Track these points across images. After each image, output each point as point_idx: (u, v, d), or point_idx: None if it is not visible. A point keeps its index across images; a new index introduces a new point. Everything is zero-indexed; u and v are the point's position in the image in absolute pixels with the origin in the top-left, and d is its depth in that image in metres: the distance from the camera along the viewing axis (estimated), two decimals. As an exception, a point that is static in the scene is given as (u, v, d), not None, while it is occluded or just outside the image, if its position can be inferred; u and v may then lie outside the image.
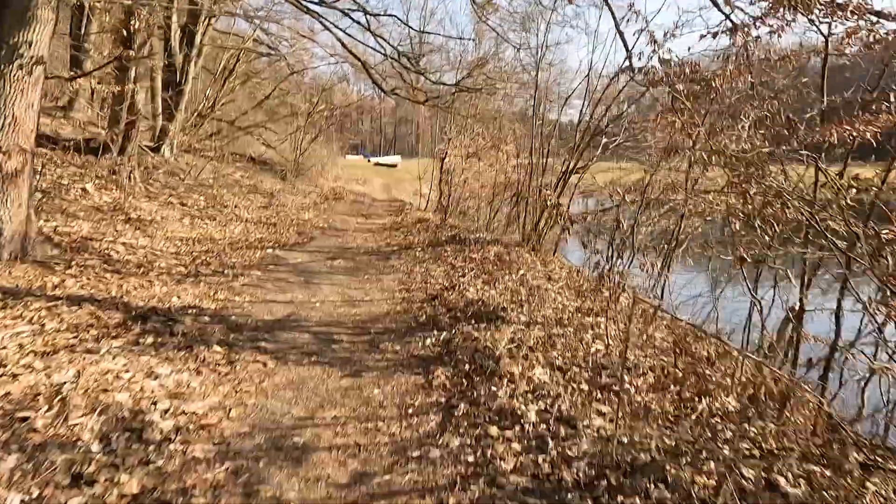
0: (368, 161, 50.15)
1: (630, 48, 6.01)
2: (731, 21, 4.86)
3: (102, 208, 8.88)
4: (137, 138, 11.05)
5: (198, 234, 8.92)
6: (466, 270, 7.26)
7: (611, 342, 4.49)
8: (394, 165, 47.02)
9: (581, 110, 9.00)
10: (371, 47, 15.76)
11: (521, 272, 7.06)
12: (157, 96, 14.84)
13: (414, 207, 18.73)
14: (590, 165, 9.31)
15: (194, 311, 5.17)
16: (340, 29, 15.42)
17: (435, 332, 4.94)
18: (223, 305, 5.47)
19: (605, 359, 4.29)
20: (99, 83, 11.02)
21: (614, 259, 5.20)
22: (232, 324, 4.96)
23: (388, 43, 11.70)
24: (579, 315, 5.52)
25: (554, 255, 9.79)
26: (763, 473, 2.53)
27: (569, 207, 9.49)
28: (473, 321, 5.13)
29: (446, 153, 18.12)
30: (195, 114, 19.48)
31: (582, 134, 9.01)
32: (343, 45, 12.71)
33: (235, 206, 12.07)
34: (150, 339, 4.27)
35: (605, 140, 9.13)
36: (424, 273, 7.32)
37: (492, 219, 12.30)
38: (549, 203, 9.03)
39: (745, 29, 4.41)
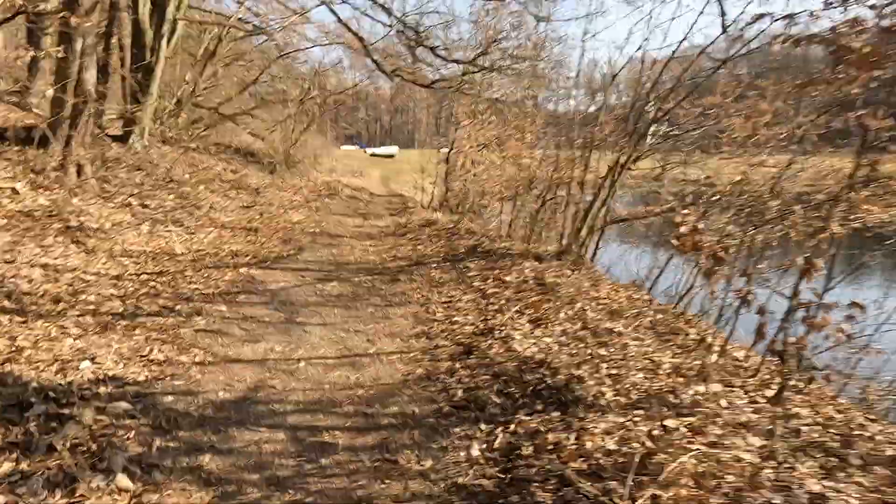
0: (364, 152, 48.22)
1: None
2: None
3: (34, 214, 7.01)
4: (88, 125, 9.15)
5: (155, 248, 7.08)
6: (502, 301, 5.47)
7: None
8: (391, 156, 45.12)
9: (639, 90, 7.19)
10: (372, 17, 13.83)
11: (577, 305, 5.26)
12: (123, 77, 12.90)
13: (417, 204, 16.89)
14: (642, 157, 7.51)
15: (109, 388, 3.36)
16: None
17: (482, 428, 3.16)
18: (159, 374, 3.66)
19: None
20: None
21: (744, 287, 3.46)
22: (163, 414, 3.16)
23: (393, 14, 9.83)
24: (689, 388, 3.74)
25: (591, 264, 8.01)
26: None
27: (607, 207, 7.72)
28: (538, 403, 3.35)
29: (453, 144, 16.29)
30: (174, 100, 17.55)
31: (636, 120, 7.21)
32: (339, 18, 10.83)
33: (211, 207, 10.21)
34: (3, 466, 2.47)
35: (660, 128, 7.34)
36: (447, 305, 5.52)
37: (514, 221, 10.47)
38: (599, 204, 7.27)
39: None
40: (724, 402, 3.66)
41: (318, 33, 21.70)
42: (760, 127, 7.00)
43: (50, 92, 11.47)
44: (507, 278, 6.24)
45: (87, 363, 3.65)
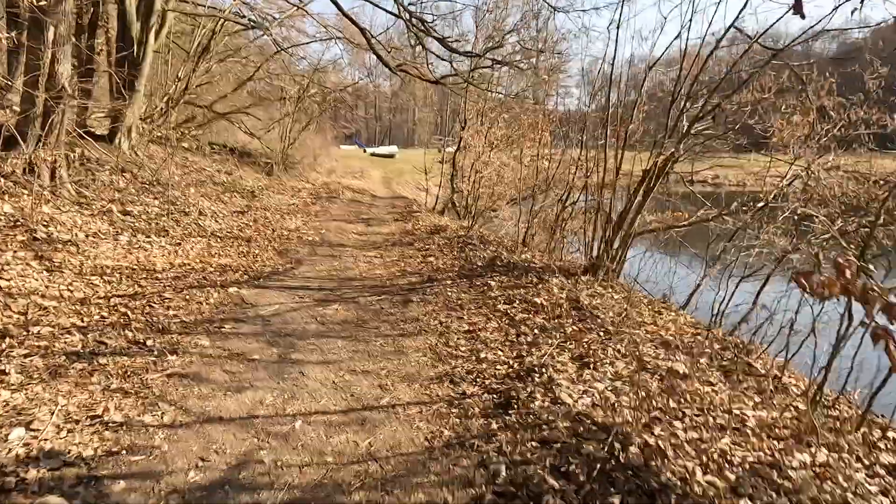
0: (364, 151, 47.37)
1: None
2: None
3: (-5, 224, 6.20)
4: (63, 124, 8.29)
5: (133, 262, 6.24)
6: (536, 330, 4.63)
7: None
8: (391, 156, 44.28)
9: (678, 82, 6.32)
10: (375, 4, 12.96)
11: (626, 336, 4.43)
12: (108, 73, 12.05)
13: (422, 207, 16.05)
14: (682, 158, 6.66)
15: (42, 471, 2.52)
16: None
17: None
18: (113, 445, 2.82)
19: None
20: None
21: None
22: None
23: (399, 1, 8.98)
24: (792, 457, 2.92)
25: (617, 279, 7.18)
26: None
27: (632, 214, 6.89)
28: (613, 492, 2.51)
29: (460, 143, 15.45)
30: (165, 97, 16.69)
31: (677, 116, 6.35)
32: (340, 8, 9.98)
33: (201, 214, 9.37)
34: None
35: (705, 126, 6.48)
36: (470, 335, 4.68)
37: (530, 227, 9.62)
38: (634, 211, 6.45)
39: None
40: (840, 478, 2.85)
41: (316, 28, 20.81)
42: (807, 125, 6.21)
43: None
44: (537, 300, 5.40)
45: (18, 431, 2.81)
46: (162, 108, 16.83)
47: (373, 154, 44.74)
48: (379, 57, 10.99)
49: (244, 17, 16.83)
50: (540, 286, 6.03)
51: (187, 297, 5.27)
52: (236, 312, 5.04)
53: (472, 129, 13.85)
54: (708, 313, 6.85)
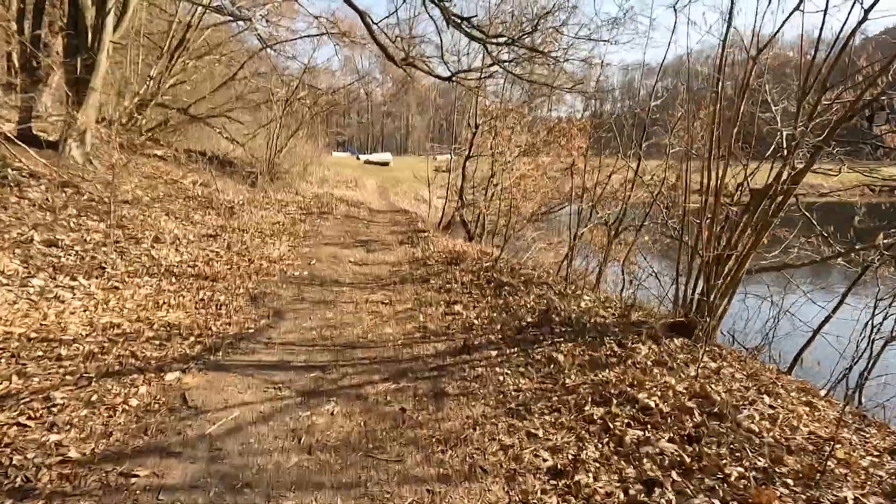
0: (357, 159, 45.50)
1: None
2: None
3: None
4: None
5: (31, 327, 4.24)
6: (668, 470, 2.71)
7: None
8: (386, 164, 42.42)
9: (810, 70, 4.47)
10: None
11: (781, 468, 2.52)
12: (51, 68, 10.07)
13: (427, 222, 14.09)
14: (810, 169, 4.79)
15: None
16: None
17: None
18: None
19: None
20: None
21: None
22: None
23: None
24: None
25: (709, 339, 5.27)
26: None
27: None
28: None
29: (470, 150, 13.56)
30: (134, 98, 14.70)
31: (809, 115, 4.50)
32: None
33: (157, 240, 7.39)
34: None
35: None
36: (563, 490, 2.73)
37: (571, 258, 7.71)
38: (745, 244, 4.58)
39: None
40: None
41: (307, 25, 18.85)
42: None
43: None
44: (643, 396, 3.47)
45: None
46: (131, 111, 14.88)
47: (366, 162, 42.85)
48: (381, 47, 9.10)
49: (223, 8, 14.89)
50: (629, 360, 4.12)
51: (94, 397, 3.30)
52: (168, 431, 3.07)
53: (488, 134, 11.98)
54: (824, 375, 5.00)
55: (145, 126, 15.12)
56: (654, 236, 6.63)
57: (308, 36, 16.17)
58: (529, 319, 5.04)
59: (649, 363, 4.15)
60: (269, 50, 16.61)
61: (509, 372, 4.00)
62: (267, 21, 16.69)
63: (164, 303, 5.24)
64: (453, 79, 10.06)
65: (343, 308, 5.71)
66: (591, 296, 5.94)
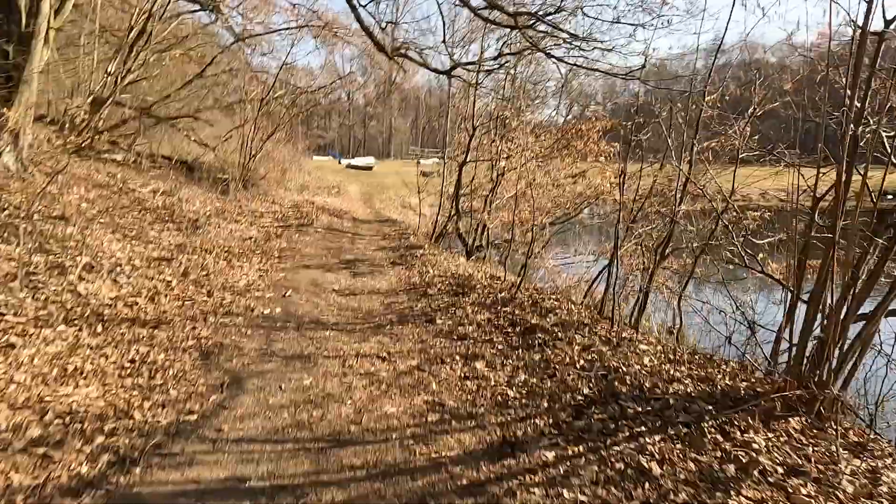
0: (339, 163, 43.96)
1: None
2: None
3: None
4: None
5: None
6: None
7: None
8: (369, 168, 40.99)
9: None
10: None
11: None
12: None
13: (419, 234, 12.66)
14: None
15: None
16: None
17: None
18: None
19: None
20: None
21: None
22: None
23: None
24: None
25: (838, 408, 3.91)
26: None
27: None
28: None
29: (467, 154, 12.18)
30: (88, 96, 13.05)
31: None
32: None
33: (89, 269, 5.86)
34: None
35: None
36: None
37: (615, 289, 6.31)
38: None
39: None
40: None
41: (284, 18, 17.30)
42: None
43: None
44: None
45: None
46: (84, 110, 13.21)
47: (349, 166, 41.34)
48: (369, 34, 7.68)
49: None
50: (750, 465, 2.76)
51: None
52: None
53: (486, 137, 10.61)
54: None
55: (101, 128, 13.46)
56: (715, 261, 5.29)
57: (286, 29, 14.67)
58: (586, 391, 3.64)
59: (780, 470, 2.80)
60: (242, 45, 15.09)
61: (585, 500, 2.60)
62: (240, 14, 15.20)
63: (77, 369, 3.74)
64: (452, 73, 8.67)
65: (326, 367, 4.25)
66: (650, 346, 4.57)
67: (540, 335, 4.73)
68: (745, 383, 3.81)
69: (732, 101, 6.08)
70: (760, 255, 4.90)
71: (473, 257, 11.64)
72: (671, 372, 4.01)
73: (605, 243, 10.62)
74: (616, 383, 3.72)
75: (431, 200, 17.95)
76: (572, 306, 5.93)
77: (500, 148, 9.59)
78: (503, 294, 6.31)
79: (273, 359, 4.35)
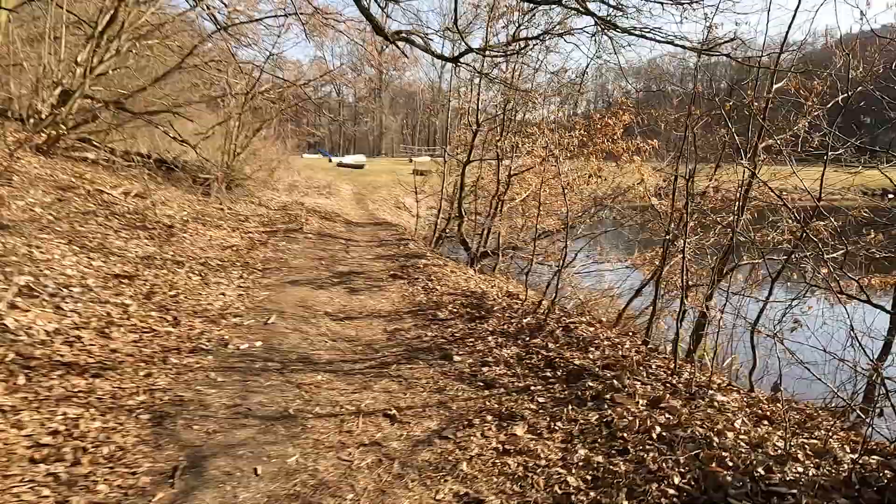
0: (330, 161, 42.75)
1: None
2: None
3: None
4: None
5: None
6: None
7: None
8: (360, 166, 39.80)
9: None
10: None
11: None
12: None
13: (419, 240, 11.63)
14: None
15: None
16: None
17: None
18: None
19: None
20: None
21: None
22: None
23: None
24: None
25: None
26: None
27: None
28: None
29: (471, 152, 11.17)
30: (55, 88, 11.88)
31: None
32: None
33: (29, 291, 4.78)
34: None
35: None
36: None
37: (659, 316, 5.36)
38: None
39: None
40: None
41: (271, 5, 16.11)
42: None
43: None
44: None
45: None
46: (52, 104, 12.04)
47: (340, 164, 40.14)
48: (368, 16, 6.65)
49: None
50: None
51: None
52: None
53: (495, 133, 9.59)
54: None
55: (69, 123, 12.30)
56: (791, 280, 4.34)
57: (272, 16, 13.55)
58: (678, 480, 2.64)
59: None
60: (225, 35, 13.95)
61: None
62: (222, 1, 14.05)
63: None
64: (460, 60, 7.66)
65: (318, 433, 3.22)
66: (728, 396, 3.58)
67: (590, 382, 3.73)
68: (877, 457, 2.84)
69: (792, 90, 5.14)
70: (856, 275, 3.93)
71: (478, 265, 10.65)
72: (774, 440, 3.03)
73: (622, 250, 9.67)
74: (714, 465, 2.73)
75: (429, 202, 16.95)
76: (614, 336, 4.93)
77: (513, 144, 8.59)
78: (528, 319, 5.31)
79: (248, 421, 3.31)
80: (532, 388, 3.79)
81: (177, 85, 15.64)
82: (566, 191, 6.29)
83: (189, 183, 14.01)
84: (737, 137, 4.50)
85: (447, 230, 13.92)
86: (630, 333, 5.61)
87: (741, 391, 3.82)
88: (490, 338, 4.86)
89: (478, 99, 10.75)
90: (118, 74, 13.28)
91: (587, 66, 9.04)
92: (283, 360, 4.33)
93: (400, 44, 7.45)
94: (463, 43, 7.72)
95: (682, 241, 4.48)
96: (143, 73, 13.75)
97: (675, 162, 4.89)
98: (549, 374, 4.01)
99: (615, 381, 3.67)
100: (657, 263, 6.33)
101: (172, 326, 4.84)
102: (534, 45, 7.25)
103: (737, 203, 4.82)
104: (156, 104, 13.53)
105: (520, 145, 8.54)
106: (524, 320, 5.27)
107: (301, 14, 12.92)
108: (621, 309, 6.02)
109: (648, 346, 4.85)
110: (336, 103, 67.39)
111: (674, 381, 3.81)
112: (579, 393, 3.61)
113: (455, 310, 5.78)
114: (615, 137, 7.62)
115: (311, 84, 16.69)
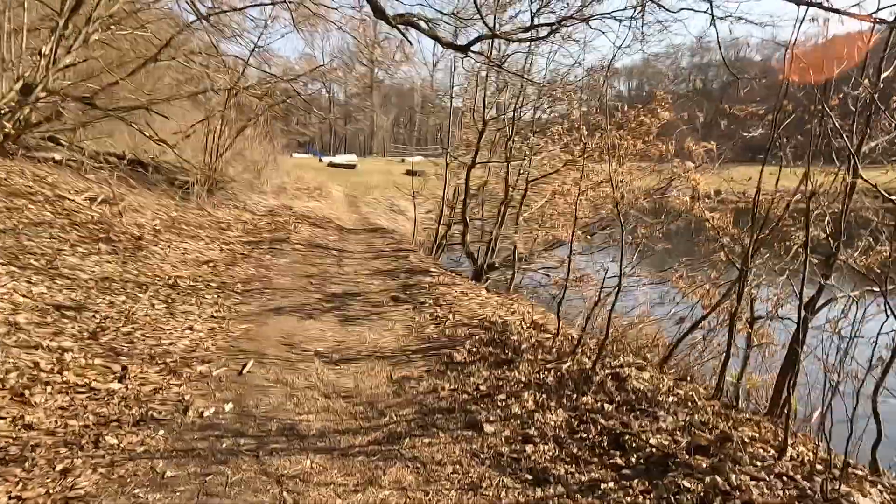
0: (320, 161, 41.62)
1: None
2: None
3: None
4: None
5: None
6: None
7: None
8: (352, 166, 38.71)
9: None
10: None
11: None
12: None
13: (423, 253, 10.55)
14: None
15: None
16: None
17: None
18: None
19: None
20: None
21: None
22: None
23: None
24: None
25: None
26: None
27: None
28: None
29: (476, 154, 10.13)
30: (16, 82, 10.70)
31: None
32: None
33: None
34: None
35: None
36: None
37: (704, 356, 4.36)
38: None
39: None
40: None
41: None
42: None
43: None
44: None
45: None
46: (13, 98, 10.86)
47: (330, 164, 39.02)
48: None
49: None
50: None
51: None
52: None
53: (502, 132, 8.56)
54: None
55: (32, 120, 11.14)
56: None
57: (258, 4, 12.43)
58: None
59: None
60: (206, 24, 12.80)
61: None
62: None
63: None
64: (468, 49, 6.63)
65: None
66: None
67: (681, 479, 2.70)
68: None
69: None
70: None
71: (486, 279, 9.63)
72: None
73: (645, 264, 8.66)
74: None
75: (426, 205, 15.87)
76: (682, 389, 3.91)
77: (530, 146, 7.56)
78: (567, 363, 4.28)
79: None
80: (602, 485, 2.76)
81: (155, 80, 14.47)
82: (613, 192, 5.27)
83: (167, 186, 12.87)
84: (843, 136, 3.49)
85: (447, 237, 12.91)
86: (687, 378, 4.61)
87: (884, 485, 2.81)
88: (526, 393, 3.82)
89: (484, 95, 9.71)
90: (88, 67, 12.10)
91: (613, 57, 7.99)
92: (260, 434, 3.27)
93: (403, 29, 6.39)
94: (474, 28, 6.69)
95: (745, 268, 3.47)
96: (117, 66, 12.56)
97: (761, 168, 3.86)
98: (619, 459, 2.98)
99: (717, 479, 2.65)
100: (709, 288, 5.35)
101: (118, 381, 3.76)
102: (554, 28, 6.25)
103: (842, 215, 3.81)
104: (130, 100, 12.35)
105: (540, 145, 7.51)
106: (563, 366, 4.23)
107: (290, 1, 11.83)
108: (669, 345, 5.01)
109: (724, 404, 3.84)
110: (326, 101, 66.07)
111: (790, 472, 2.80)
112: (672, 498, 2.58)
113: (475, 349, 4.73)
114: (647, 138, 6.61)
115: (299, 79, 15.53)
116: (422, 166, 18.73)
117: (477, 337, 5.03)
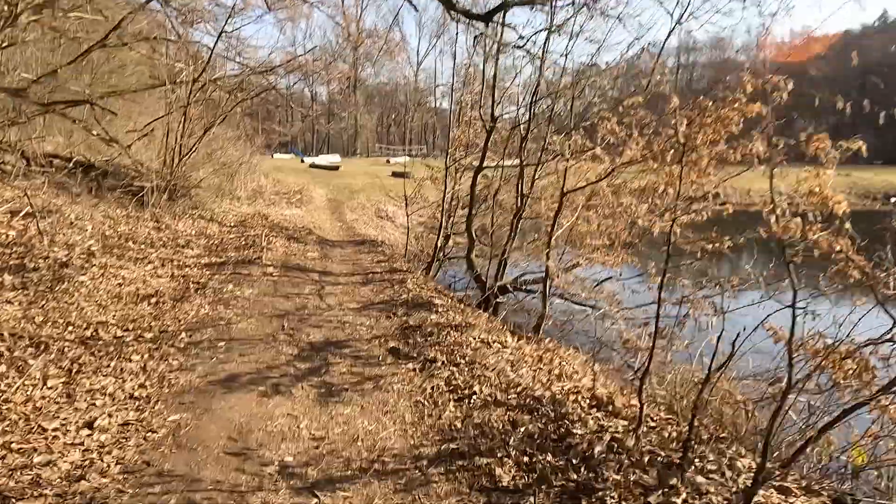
0: (302, 161, 39.62)
1: None
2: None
3: None
4: None
5: None
6: None
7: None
8: (335, 167, 36.75)
9: None
10: None
11: None
12: None
13: (422, 278, 8.86)
14: None
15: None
16: None
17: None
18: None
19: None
20: None
21: None
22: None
23: None
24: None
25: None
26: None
27: None
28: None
29: (483, 157, 8.50)
30: (-74, 71, 8.81)
31: None
32: None
33: None
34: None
35: None
36: None
37: None
38: None
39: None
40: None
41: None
42: None
43: None
44: None
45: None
46: (-75, 92, 8.97)
47: (312, 165, 37.02)
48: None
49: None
50: None
51: None
52: None
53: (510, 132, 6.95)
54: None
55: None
56: None
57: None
58: None
59: None
60: (164, 6, 11.02)
61: None
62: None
63: None
64: (488, 18, 5.02)
65: None
66: None
67: None
68: None
69: None
70: None
71: (499, 309, 8.04)
72: None
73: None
74: None
75: (417, 210, 14.18)
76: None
77: (570, 145, 5.95)
78: (651, 481, 2.66)
79: None
80: None
81: (107, 71, 12.64)
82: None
83: (121, 194, 11.05)
84: None
85: (444, 250, 11.29)
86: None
87: None
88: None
89: (493, 84, 8.09)
90: (20, 54, 10.26)
91: (669, 35, 6.49)
92: None
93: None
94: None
95: None
96: (53, 52, 10.71)
97: None
98: None
99: None
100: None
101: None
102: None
103: None
104: (72, 93, 10.50)
105: (586, 145, 5.90)
106: (679, 498, 2.62)
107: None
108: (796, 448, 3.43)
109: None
110: (308, 99, 63.92)
111: None
112: None
113: (524, 459, 3.09)
114: (726, 135, 5.09)
115: (276, 71, 13.76)
116: (409, 167, 17.02)
117: (523, 430, 3.39)
